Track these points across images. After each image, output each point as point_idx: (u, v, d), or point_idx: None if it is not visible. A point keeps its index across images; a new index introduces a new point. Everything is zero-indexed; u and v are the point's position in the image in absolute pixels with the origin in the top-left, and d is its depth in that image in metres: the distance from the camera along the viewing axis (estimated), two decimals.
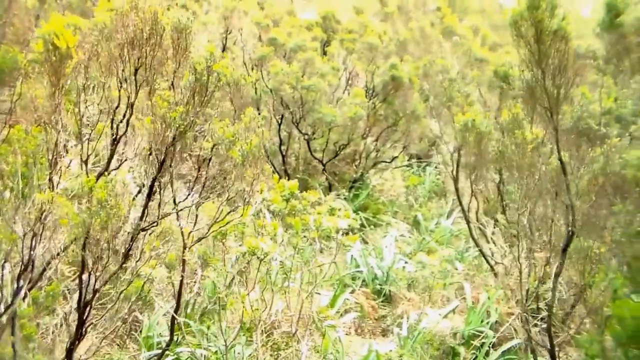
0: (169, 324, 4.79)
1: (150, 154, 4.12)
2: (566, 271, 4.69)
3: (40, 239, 3.63)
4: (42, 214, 3.53)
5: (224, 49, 10.69)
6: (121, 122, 4.18)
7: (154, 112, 3.66)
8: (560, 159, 4.39)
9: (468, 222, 6.84)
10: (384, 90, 9.49)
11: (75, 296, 4.05)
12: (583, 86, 5.17)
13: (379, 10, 17.32)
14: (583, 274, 4.29)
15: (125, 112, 4.15)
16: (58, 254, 3.81)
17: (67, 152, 4.05)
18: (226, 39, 11.25)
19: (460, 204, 7.00)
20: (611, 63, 5.18)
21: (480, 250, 6.68)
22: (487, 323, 5.61)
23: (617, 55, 4.92)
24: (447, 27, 13.97)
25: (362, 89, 9.75)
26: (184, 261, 4.37)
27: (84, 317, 3.72)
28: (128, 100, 4.12)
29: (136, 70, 3.87)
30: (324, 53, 10.42)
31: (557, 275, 4.54)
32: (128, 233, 3.65)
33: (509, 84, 5.68)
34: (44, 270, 3.79)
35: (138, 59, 3.83)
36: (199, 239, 4.47)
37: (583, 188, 4.43)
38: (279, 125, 8.74)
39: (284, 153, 8.93)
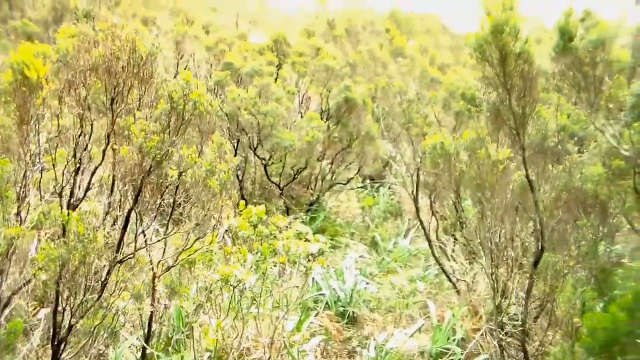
0: (136, 355, 4.71)
1: (113, 183, 4.08)
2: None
3: (7, 276, 3.56)
4: (9, 250, 3.46)
5: (176, 74, 10.65)
6: (85, 150, 4.13)
7: (130, 141, 3.61)
8: (527, 177, 4.49)
9: (429, 241, 6.90)
10: (338, 113, 9.57)
11: (37, 332, 3.96)
12: (538, 105, 5.32)
13: (324, 32, 17.50)
14: (552, 288, 4.39)
15: (88, 141, 4.11)
16: (19, 289, 3.73)
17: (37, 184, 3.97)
18: (178, 64, 11.23)
19: (421, 223, 7.06)
20: (566, 83, 5.33)
21: (442, 268, 6.74)
22: (454, 340, 5.66)
23: (573, 76, 5.07)
24: (396, 48, 14.19)
25: (315, 112, 9.80)
26: (153, 291, 4.32)
27: (58, 355, 3.63)
28: (91, 128, 4.08)
29: (112, 99, 3.83)
30: (276, 76, 10.46)
31: (529, 290, 4.64)
32: (104, 266, 3.59)
33: (476, 105, 5.80)
34: (5, 306, 3.71)
35: (114, 88, 3.78)
36: (168, 268, 4.43)
37: (549, 204, 4.55)
38: (235, 150, 8.71)
39: (240, 178, 8.89)
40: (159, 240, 4.12)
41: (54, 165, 4.10)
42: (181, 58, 11.39)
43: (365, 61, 12.44)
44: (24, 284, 3.67)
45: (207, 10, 41.23)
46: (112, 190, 4.17)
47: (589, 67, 4.98)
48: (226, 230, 5.19)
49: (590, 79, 5.03)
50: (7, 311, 3.76)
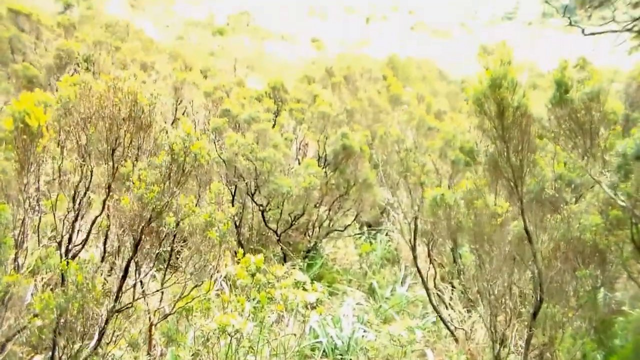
0: None
1: (107, 233, 4.08)
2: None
3: (2, 322, 3.54)
4: (5, 296, 3.45)
5: (174, 120, 10.72)
6: (84, 196, 4.14)
7: (131, 191, 3.62)
8: (526, 229, 4.50)
9: (427, 289, 6.87)
10: (336, 159, 9.59)
11: None
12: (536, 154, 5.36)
13: (323, 78, 17.69)
14: (552, 339, 4.38)
15: (87, 188, 4.12)
16: (14, 336, 3.70)
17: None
18: (176, 109, 11.31)
19: (419, 271, 7.03)
20: (562, 135, 5.39)
21: (440, 316, 6.70)
22: None
23: (569, 127, 5.14)
24: (393, 95, 14.32)
25: (313, 158, 9.84)
26: (150, 339, 4.29)
27: None
28: (91, 174, 4.09)
29: (113, 150, 3.84)
30: (274, 123, 10.52)
31: (528, 340, 4.62)
32: (102, 315, 3.57)
33: (474, 158, 5.85)
34: None
35: (115, 140, 3.80)
36: (165, 316, 4.41)
37: (547, 254, 4.55)
38: (233, 196, 8.71)
39: (237, 224, 8.87)
40: (157, 291, 4.10)
41: (53, 210, 4.10)
42: (180, 104, 11.49)
43: (363, 108, 12.53)
44: (18, 331, 3.64)
45: (206, 54, 41.72)
46: (106, 237, 4.17)
47: (585, 118, 5.04)
48: (224, 278, 5.17)
49: (586, 129, 5.10)
50: (1, 357, 3.73)
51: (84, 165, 4.13)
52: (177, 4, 71.76)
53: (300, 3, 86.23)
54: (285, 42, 59.77)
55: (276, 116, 11.03)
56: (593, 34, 6.24)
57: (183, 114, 11.48)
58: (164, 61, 27.50)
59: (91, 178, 4.15)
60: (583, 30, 6.30)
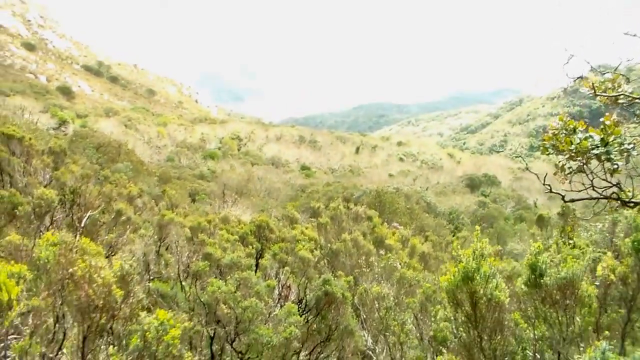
0: None
1: None
2: None
3: None
4: None
5: (158, 253, 10.70)
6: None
7: None
8: None
9: None
10: (317, 305, 9.51)
11: None
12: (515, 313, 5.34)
13: (310, 215, 17.87)
14: None
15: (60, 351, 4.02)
16: None
17: None
18: (160, 246, 11.30)
19: None
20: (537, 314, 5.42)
21: None
22: None
23: (544, 308, 5.17)
24: (377, 236, 14.41)
25: (294, 301, 9.76)
26: None
27: None
28: (63, 339, 4.00)
29: (84, 338, 3.77)
30: (257, 265, 10.51)
31: None
32: None
33: (447, 347, 5.83)
34: None
35: (88, 327, 3.74)
36: None
37: None
38: (211, 339, 8.56)
39: None
40: None
41: None
42: (164, 240, 11.51)
43: (348, 249, 12.56)
44: None
45: (195, 178, 42.17)
46: None
47: (560, 301, 5.08)
48: None
49: (561, 312, 5.12)
50: None
51: (58, 325, 4.06)
52: (169, 127, 73.35)
53: (293, 131, 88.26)
54: (275, 168, 60.72)
55: (259, 256, 11.03)
56: (573, 200, 6.35)
57: (166, 249, 11.48)
58: (152, 184, 27.75)
59: (64, 339, 4.07)
60: (563, 197, 6.42)
